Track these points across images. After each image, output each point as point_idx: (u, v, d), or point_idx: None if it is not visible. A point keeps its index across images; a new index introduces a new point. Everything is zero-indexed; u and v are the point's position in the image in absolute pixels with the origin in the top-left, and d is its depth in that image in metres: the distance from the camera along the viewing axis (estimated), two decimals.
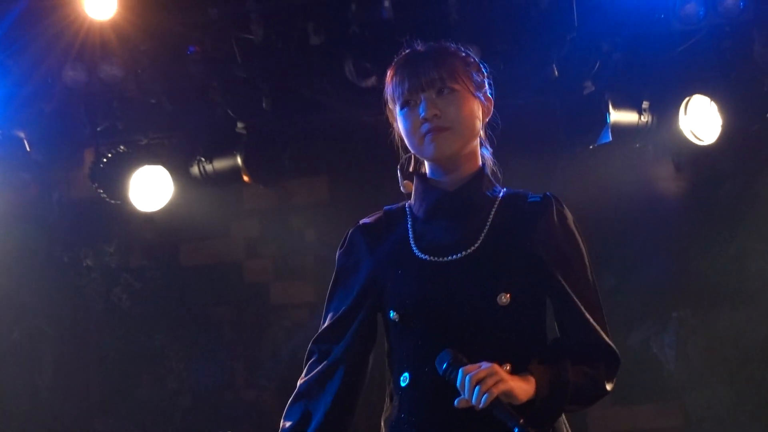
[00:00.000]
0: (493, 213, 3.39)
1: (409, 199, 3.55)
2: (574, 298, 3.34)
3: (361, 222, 3.57)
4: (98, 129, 7.51)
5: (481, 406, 3.08)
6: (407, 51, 3.50)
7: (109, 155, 7.51)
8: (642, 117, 7.16)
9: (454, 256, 3.33)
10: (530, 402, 3.19)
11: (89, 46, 6.70)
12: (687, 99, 6.98)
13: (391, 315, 3.38)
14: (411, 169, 3.57)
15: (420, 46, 3.50)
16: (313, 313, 7.92)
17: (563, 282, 3.35)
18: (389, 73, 3.48)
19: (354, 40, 6.76)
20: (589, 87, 7.10)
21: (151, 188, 7.49)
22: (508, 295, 3.26)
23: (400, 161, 3.57)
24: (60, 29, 6.58)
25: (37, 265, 8.31)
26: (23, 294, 8.27)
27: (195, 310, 8.35)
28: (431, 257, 3.36)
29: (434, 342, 3.26)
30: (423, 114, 3.34)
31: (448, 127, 3.34)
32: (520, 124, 7.47)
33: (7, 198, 8.07)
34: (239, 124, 7.47)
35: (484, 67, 3.56)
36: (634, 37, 6.80)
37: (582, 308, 3.34)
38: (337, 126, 7.70)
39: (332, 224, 7.42)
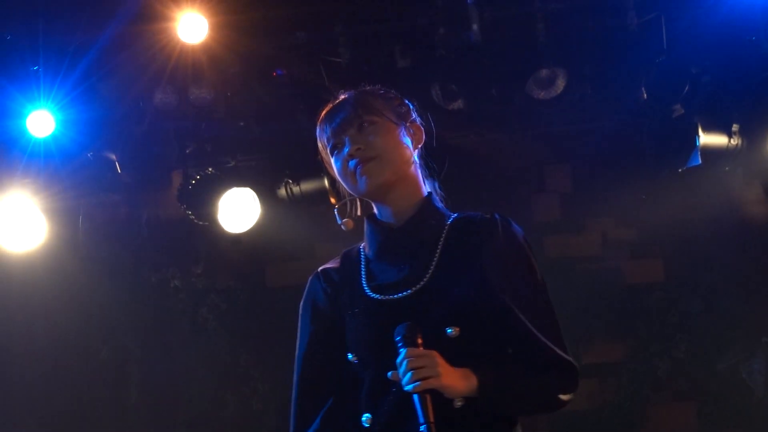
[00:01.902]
0: (441, 244, 3.39)
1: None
2: (521, 317, 3.29)
3: (320, 268, 3.62)
4: (187, 151, 7.61)
5: (406, 389, 3.12)
6: (324, 110, 3.58)
7: (198, 177, 7.58)
8: (732, 140, 7.10)
9: (402, 294, 3.33)
10: (473, 400, 3.19)
11: (180, 70, 6.77)
12: None
13: (350, 357, 3.40)
14: (359, 213, 3.59)
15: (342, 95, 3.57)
16: None
17: (510, 302, 3.30)
18: (318, 128, 3.59)
19: (441, 63, 6.78)
20: (679, 110, 7.05)
21: (238, 210, 7.55)
22: (457, 329, 3.24)
23: (339, 203, 3.61)
24: (152, 53, 6.66)
25: (125, 285, 8.39)
26: (111, 314, 8.36)
27: (280, 332, 8.36)
28: (381, 296, 3.37)
29: (388, 381, 3.24)
30: (347, 150, 3.39)
31: (374, 156, 3.37)
32: (607, 147, 7.47)
33: (97, 218, 8.19)
34: None
35: (409, 102, 3.59)
36: (724, 59, 6.74)
37: (529, 326, 3.28)
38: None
39: None
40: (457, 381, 3.17)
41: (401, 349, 3.16)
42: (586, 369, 7.91)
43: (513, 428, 3.37)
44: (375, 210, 3.53)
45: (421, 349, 3.16)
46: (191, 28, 6.54)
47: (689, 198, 7.54)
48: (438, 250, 3.38)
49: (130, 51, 6.73)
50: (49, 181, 7.52)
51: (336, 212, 3.60)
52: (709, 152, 7.05)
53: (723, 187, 7.56)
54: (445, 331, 3.23)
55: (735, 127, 7.09)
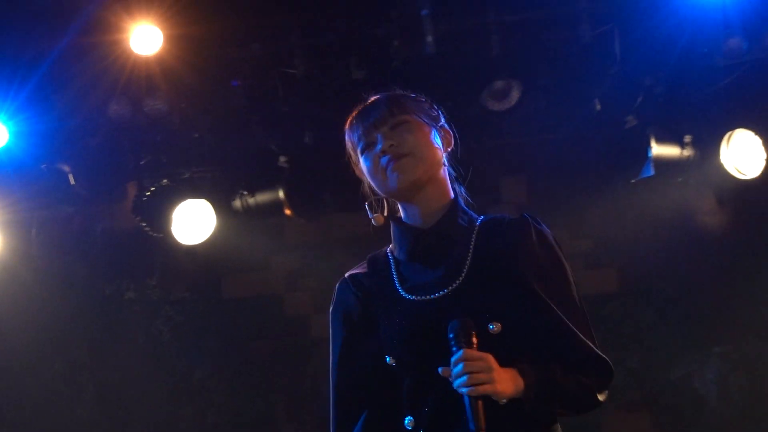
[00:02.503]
0: (472, 243, 3.38)
1: (380, 228, 3.54)
2: (560, 313, 3.30)
3: (347, 274, 3.57)
4: (142, 163, 7.58)
5: (460, 391, 3.12)
6: (357, 109, 3.53)
7: (153, 189, 7.56)
8: (684, 151, 7.16)
9: (440, 293, 3.32)
10: (517, 400, 3.18)
11: (135, 81, 6.76)
12: (730, 133, 6.98)
13: (387, 360, 3.38)
14: (385, 214, 3.56)
15: (364, 102, 3.54)
16: None
17: (547, 299, 3.30)
18: (346, 127, 3.52)
19: (396, 74, 6.79)
20: (632, 121, 7.11)
21: (193, 221, 7.53)
22: (499, 324, 3.24)
23: (368, 199, 3.55)
24: (106, 64, 6.64)
25: (79, 297, 8.35)
26: (65, 326, 8.32)
27: (236, 343, 8.37)
28: (418, 297, 3.35)
29: (430, 382, 3.25)
30: (380, 147, 3.36)
31: (407, 153, 3.35)
32: (561, 158, 7.51)
33: (50, 230, 8.14)
34: (281, 158, 7.51)
35: (438, 108, 3.58)
36: (676, 71, 6.80)
37: (568, 323, 3.30)
38: None
39: None
40: (507, 385, 3.16)
41: (455, 349, 3.16)
42: None
43: (553, 426, 3.37)
44: (401, 212, 3.51)
45: (478, 351, 3.16)
46: (145, 40, 6.53)
47: (643, 209, 7.60)
48: (470, 251, 3.37)
49: (84, 62, 6.70)
50: (2, 193, 7.48)
51: (367, 207, 3.53)
52: (662, 163, 7.11)
53: (676, 198, 7.61)
54: (488, 327, 3.21)
55: (687, 138, 7.16)
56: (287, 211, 7.62)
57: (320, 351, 8.26)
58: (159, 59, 6.67)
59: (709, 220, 7.80)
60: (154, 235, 7.69)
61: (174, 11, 6.48)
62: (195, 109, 7.17)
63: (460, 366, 3.13)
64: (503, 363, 3.19)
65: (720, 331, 7.79)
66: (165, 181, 7.60)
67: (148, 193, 7.56)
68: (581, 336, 3.31)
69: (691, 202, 7.74)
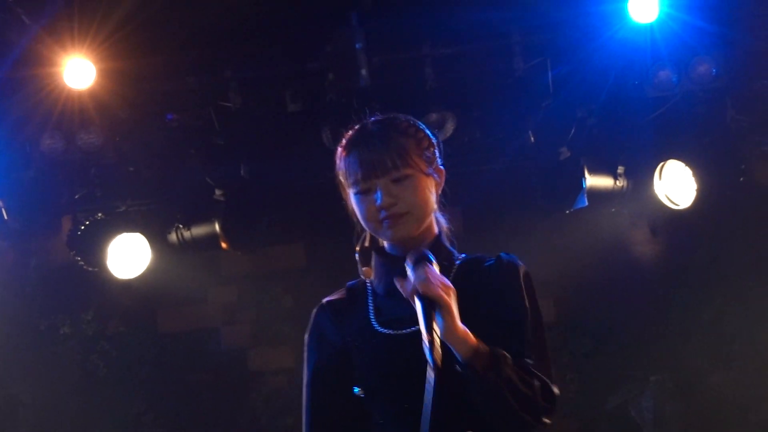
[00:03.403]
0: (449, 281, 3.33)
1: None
2: (522, 340, 3.29)
3: (324, 300, 3.55)
4: (76, 196, 7.52)
5: (415, 290, 3.11)
6: (357, 128, 3.46)
7: (87, 222, 7.51)
8: (617, 182, 7.24)
9: (412, 328, 3.28)
10: (465, 363, 3.16)
11: (67, 115, 6.71)
12: (662, 164, 7.05)
13: (356, 390, 3.38)
14: (367, 243, 3.56)
15: (371, 122, 3.47)
16: (292, 379, 7.90)
17: (511, 327, 3.29)
18: (340, 153, 3.44)
19: (331, 107, 6.81)
20: (565, 153, 7.17)
21: (128, 255, 7.49)
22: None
23: (358, 244, 3.54)
24: (38, 98, 6.60)
25: (14, 333, 8.26)
26: (1, 361, 8.22)
27: (173, 377, 8.32)
28: (391, 331, 3.35)
29: (397, 415, 3.27)
30: (379, 202, 3.32)
31: (406, 212, 3.34)
32: (496, 190, 7.54)
33: None
34: (217, 191, 7.49)
35: (434, 137, 3.53)
36: (608, 103, 6.87)
37: (527, 350, 3.28)
38: (315, 192, 7.72)
39: (310, 290, 7.44)
40: (458, 324, 3.13)
41: (420, 268, 3.17)
42: None
43: None
44: (386, 243, 3.49)
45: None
46: (78, 74, 6.50)
47: (578, 239, 7.64)
48: None
49: (16, 96, 6.66)
50: None
51: (357, 258, 3.52)
52: (596, 194, 7.18)
53: (610, 228, 7.68)
54: (455, 367, 3.18)
55: (620, 169, 7.23)
56: (223, 244, 7.60)
57: (258, 384, 8.27)
58: (92, 93, 6.64)
59: (643, 249, 7.87)
60: (89, 269, 7.64)
61: (107, 45, 6.45)
62: (130, 142, 7.14)
63: (424, 272, 3.15)
64: (470, 401, 3.19)
65: (655, 360, 7.85)
66: (100, 214, 7.55)
67: (83, 227, 7.51)
68: (538, 363, 3.28)
69: (625, 232, 7.81)
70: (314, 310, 3.56)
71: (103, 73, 6.56)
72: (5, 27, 6.35)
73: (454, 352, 3.15)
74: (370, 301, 3.47)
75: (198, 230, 7.55)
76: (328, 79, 6.77)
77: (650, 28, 6.35)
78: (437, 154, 3.50)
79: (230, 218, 7.55)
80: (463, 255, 3.51)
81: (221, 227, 7.49)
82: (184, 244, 7.57)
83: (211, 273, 8.23)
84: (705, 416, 7.73)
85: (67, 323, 8.40)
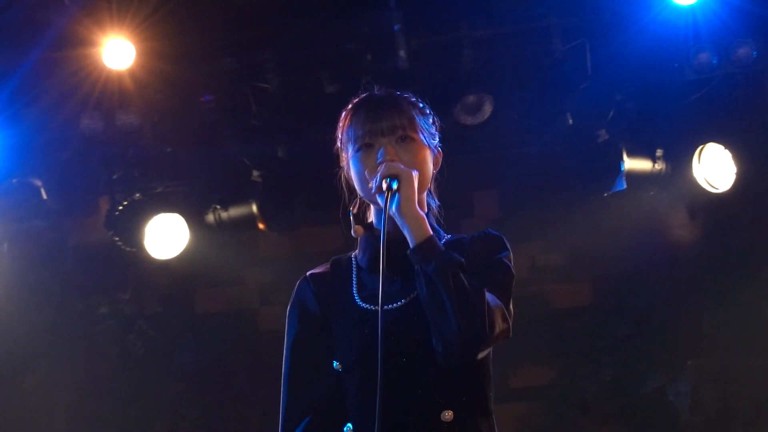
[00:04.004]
0: None
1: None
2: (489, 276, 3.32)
3: (308, 273, 3.59)
4: (114, 177, 7.56)
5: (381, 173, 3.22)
6: (365, 95, 3.51)
7: (125, 203, 7.54)
8: (656, 165, 7.20)
9: (393, 305, 3.34)
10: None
11: (107, 95, 6.74)
12: (701, 147, 7.01)
13: (335, 365, 3.41)
14: (354, 211, 3.56)
15: (377, 92, 3.52)
16: None
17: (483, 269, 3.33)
18: (346, 115, 3.47)
19: (368, 89, 6.79)
20: (603, 135, 7.13)
21: (166, 236, 7.52)
22: None
23: (351, 208, 3.55)
24: (78, 78, 6.62)
25: (52, 313, 8.29)
26: (37, 342, 8.26)
27: (209, 358, 8.34)
28: (372, 306, 3.37)
29: (374, 392, 3.23)
30: (381, 159, 3.33)
31: None
32: (533, 172, 7.52)
33: (22, 245, 8.09)
34: (254, 173, 7.50)
35: (437, 119, 3.57)
36: (647, 85, 6.84)
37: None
38: None
39: None
40: (415, 202, 3.23)
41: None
42: (514, 393, 7.94)
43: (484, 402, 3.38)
44: (373, 216, 3.52)
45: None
46: (117, 54, 6.52)
47: (615, 222, 7.60)
48: None
49: (55, 77, 6.69)
50: None
51: (351, 218, 3.50)
52: (634, 177, 7.15)
53: (648, 212, 7.63)
54: (432, 343, 3.20)
55: (659, 152, 7.19)
56: (260, 225, 7.62)
57: None
58: (131, 73, 6.67)
59: (680, 233, 7.82)
60: (127, 249, 7.67)
61: (146, 25, 6.48)
62: (167, 123, 7.17)
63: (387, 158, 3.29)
64: (450, 381, 3.23)
65: (693, 344, 7.81)
66: (137, 195, 7.58)
67: (121, 208, 7.54)
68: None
69: (663, 215, 7.76)
70: (298, 282, 3.59)
71: (143, 54, 6.59)
72: (45, 8, 6.37)
73: (408, 233, 3.21)
74: (353, 275, 3.50)
75: (235, 211, 7.57)
76: (366, 61, 6.77)
77: (691, 10, 6.31)
78: (437, 136, 3.54)
79: (267, 199, 7.57)
80: (449, 236, 3.52)
81: (258, 208, 7.51)
82: (221, 224, 7.59)
83: (248, 254, 8.24)
84: (742, 400, 7.69)
85: (105, 303, 8.42)
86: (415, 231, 3.21)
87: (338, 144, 3.53)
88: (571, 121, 7.01)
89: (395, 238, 3.33)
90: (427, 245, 3.19)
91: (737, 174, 6.90)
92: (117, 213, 7.57)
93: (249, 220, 7.58)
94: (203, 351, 8.35)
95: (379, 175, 3.23)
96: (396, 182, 3.22)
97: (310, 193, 7.93)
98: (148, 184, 7.65)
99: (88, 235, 8.33)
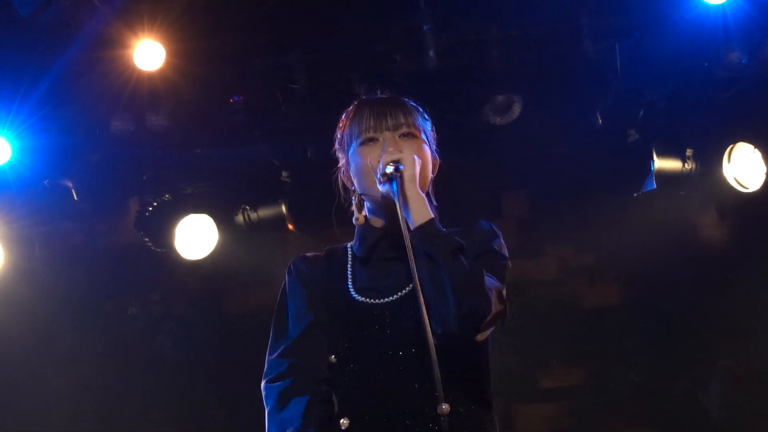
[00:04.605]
0: None
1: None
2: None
3: (303, 255, 3.73)
4: (144, 178, 7.59)
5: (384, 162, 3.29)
6: (365, 97, 3.63)
7: (155, 204, 7.57)
8: (686, 165, 7.18)
9: (387, 299, 3.40)
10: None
11: (137, 96, 6.76)
12: (731, 147, 6.99)
13: (331, 358, 3.45)
14: (351, 208, 3.66)
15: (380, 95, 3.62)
16: None
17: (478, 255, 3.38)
18: (347, 115, 3.60)
19: (398, 89, 6.78)
20: (633, 135, 7.13)
21: (195, 236, 7.54)
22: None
23: (354, 196, 3.62)
24: (109, 80, 6.65)
25: (81, 313, 8.32)
26: (66, 342, 8.29)
27: (239, 358, 8.34)
28: (366, 299, 3.43)
29: (370, 384, 3.31)
30: (384, 154, 3.39)
31: None
32: (563, 172, 7.51)
33: (53, 246, 8.13)
34: (284, 173, 7.52)
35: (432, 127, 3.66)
36: (677, 85, 6.82)
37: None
38: None
39: None
40: (417, 187, 3.31)
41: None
42: (544, 394, 7.93)
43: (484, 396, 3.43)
44: (366, 210, 3.58)
45: None
46: (148, 56, 6.54)
47: (645, 222, 7.59)
48: None
49: (86, 78, 6.71)
50: (5, 208, 7.48)
51: (354, 206, 3.60)
52: (664, 177, 7.13)
53: (678, 211, 7.61)
54: (426, 335, 3.20)
55: (689, 152, 7.17)
56: (290, 226, 7.63)
57: None
58: (161, 74, 6.68)
59: (711, 233, 7.79)
60: (157, 250, 7.70)
61: (176, 26, 6.50)
62: (197, 124, 7.18)
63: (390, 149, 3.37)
64: (447, 374, 3.20)
65: (723, 345, 7.78)
66: (167, 196, 7.62)
67: (151, 209, 7.57)
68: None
69: (693, 215, 7.73)
70: (294, 260, 3.73)
71: (172, 55, 6.59)
72: (76, 10, 6.39)
73: (410, 214, 3.25)
74: (348, 266, 3.56)
75: (265, 212, 7.59)
76: (395, 61, 6.77)
77: (721, 8, 6.29)
78: (434, 143, 3.63)
79: (296, 200, 7.58)
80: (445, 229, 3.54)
81: (288, 209, 7.53)
82: (250, 225, 7.61)
83: (277, 254, 8.24)
84: None
85: (135, 304, 8.45)
86: (418, 212, 3.27)
87: (336, 146, 3.66)
88: (600, 121, 7.00)
89: (392, 230, 3.41)
90: (428, 226, 3.25)
91: (767, 173, 6.87)
92: (147, 214, 7.60)
93: (278, 221, 7.61)
94: (232, 351, 8.35)
95: (382, 162, 3.30)
96: (401, 166, 3.29)
97: (339, 193, 7.94)
98: (177, 185, 7.68)
99: (118, 236, 8.36)
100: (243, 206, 7.61)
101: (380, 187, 3.33)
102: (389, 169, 3.28)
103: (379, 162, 3.35)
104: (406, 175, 3.27)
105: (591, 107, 6.98)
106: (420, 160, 3.34)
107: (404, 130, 3.46)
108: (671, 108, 7.01)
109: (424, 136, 3.51)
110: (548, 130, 7.17)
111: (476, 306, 3.19)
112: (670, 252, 7.73)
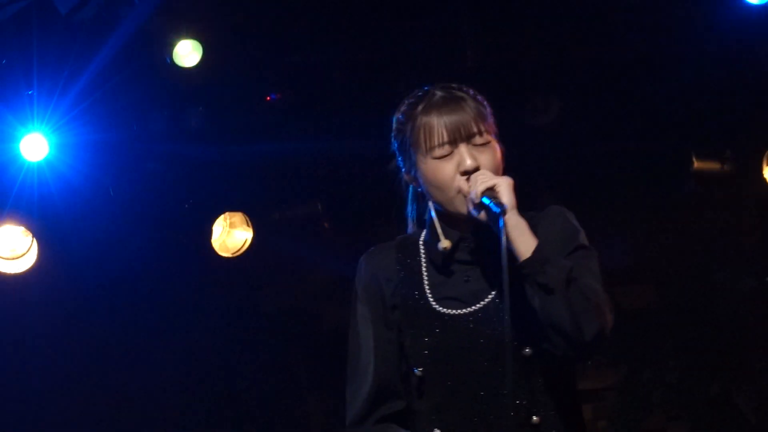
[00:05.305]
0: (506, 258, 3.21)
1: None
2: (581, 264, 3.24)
3: (370, 253, 3.51)
4: (180, 175, 7.59)
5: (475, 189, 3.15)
6: (427, 94, 3.38)
7: (190, 200, 7.58)
8: (725, 167, 7.15)
9: (471, 308, 3.28)
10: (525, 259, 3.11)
11: (175, 94, 6.78)
12: None
13: (415, 370, 3.33)
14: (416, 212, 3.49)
15: (439, 88, 3.39)
16: None
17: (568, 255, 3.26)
18: (411, 114, 3.35)
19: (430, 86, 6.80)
20: (672, 136, 7.10)
21: (230, 234, 7.55)
22: (530, 347, 3.21)
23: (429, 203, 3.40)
24: (146, 77, 6.67)
25: (117, 308, 8.33)
26: (101, 336, 8.30)
27: (274, 356, 8.36)
28: (448, 310, 3.30)
29: (460, 396, 3.23)
30: (464, 167, 3.25)
31: None
32: (601, 173, 7.49)
33: (88, 242, 8.14)
34: (320, 170, 7.51)
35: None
36: (717, 86, 6.79)
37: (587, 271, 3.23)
38: None
39: None
40: (518, 214, 3.14)
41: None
42: (581, 395, 7.89)
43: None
44: (433, 212, 3.39)
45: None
46: (186, 52, 6.55)
47: (683, 224, 7.56)
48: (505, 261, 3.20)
49: (124, 74, 6.73)
50: (41, 204, 7.50)
51: (439, 230, 3.35)
52: (703, 178, 7.10)
53: (716, 213, 7.58)
54: (520, 350, 3.19)
55: (727, 153, 7.13)
56: (325, 224, 7.63)
57: None
58: (199, 71, 6.69)
59: (749, 235, 7.76)
60: (194, 245, 7.71)
61: (215, 24, 6.51)
62: (234, 120, 7.19)
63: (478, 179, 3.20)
64: (537, 386, 3.19)
65: (761, 347, 7.74)
66: (203, 193, 7.62)
67: (186, 206, 7.58)
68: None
69: (731, 217, 7.70)
70: (365, 258, 3.50)
71: (210, 51, 6.60)
72: (115, 6, 6.42)
73: (514, 245, 3.10)
74: (424, 269, 3.39)
75: (300, 209, 7.58)
76: (433, 60, 6.77)
77: (764, 8, 6.26)
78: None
79: (332, 197, 7.58)
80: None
81: (323, 206, 7.52)
82: (286, 222, 7.61)
83: (312, 252, 8.25)
84: None
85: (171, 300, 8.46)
86: (524, 243, 3.12)
87: (394, 140, 3.46)
88: (640, 122, 6.98)
89: (468, 237, 3.31)
90: (538, 256, 3.11)
91: None
92: (182, 211, 7.61)
93: (314, 218, 7.60)
94: (267, 349, 8.37)
95: (474, 191, 3.17)
96: (491, 202, 3.14)
97: (376, 191, 7.93)
98: (213, 182, 7.68)
99: (153, 232, 8.36)
100: (279, 203, 7.61)
101: (473, 212, 3.19)
102: (487, 201, 3.13)
103: (467, 184, 3.22)
104: (509, 207, 3.12)
105: (630, 107, 6.95)
106: (510, 180, 3.18)
107: (479, 141, 3.28)
108: (710, 109, 6.98)
109: (494, 137, 3.35)
110: (586, 131, 7.15)
111: (599, 329, 3.10)
112: (707, 254, 7.70)
